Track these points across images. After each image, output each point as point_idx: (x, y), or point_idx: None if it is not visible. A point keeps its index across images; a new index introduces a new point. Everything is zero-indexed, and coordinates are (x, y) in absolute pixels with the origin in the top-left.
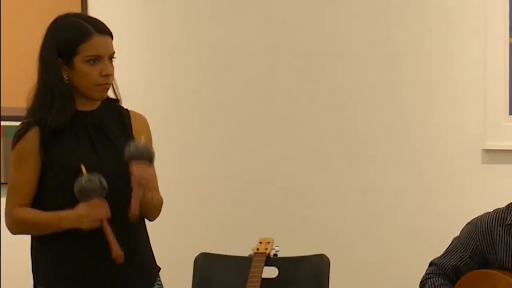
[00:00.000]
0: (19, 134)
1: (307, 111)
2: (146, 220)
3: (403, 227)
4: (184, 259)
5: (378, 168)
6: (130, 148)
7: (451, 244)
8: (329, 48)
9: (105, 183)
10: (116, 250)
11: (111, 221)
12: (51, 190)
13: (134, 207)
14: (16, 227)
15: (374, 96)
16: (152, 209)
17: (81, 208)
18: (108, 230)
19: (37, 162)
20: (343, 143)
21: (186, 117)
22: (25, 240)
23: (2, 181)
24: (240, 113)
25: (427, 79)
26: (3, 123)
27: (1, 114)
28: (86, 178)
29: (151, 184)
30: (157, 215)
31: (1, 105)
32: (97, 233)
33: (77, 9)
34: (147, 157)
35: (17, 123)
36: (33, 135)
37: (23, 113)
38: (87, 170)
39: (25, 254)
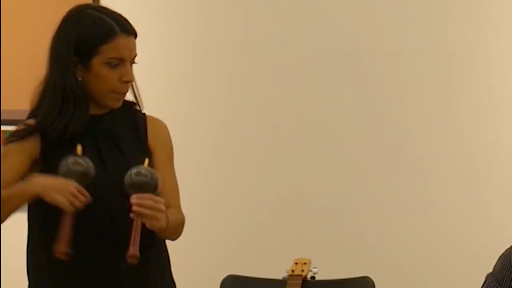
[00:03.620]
0: (15, 135)
1: (349, 118)
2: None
3: (456, 245)
4: (209, 283)
5: (427, 182)
6: (130, 177)
7: (484, 282)
8: (379, 47)
9: (93, 172)
10: (61, 246)
11: (121, 246)
12: (50, 205)
13: (132, 247)
14: None
15: (428, 100)
16: (171, 231)
17: (72, 184)
18: (67, 223)
19: (22, 163)
20: (389, 155)
21: (210, 123)
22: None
23: None
24: (272, 120)
25: (480, 77)
26: (3, 127)
27: (1, 118)
28: (73, 160)
29: (157, 212)
30: (179, 235)
31: (1, 108)
32: (98, 254)
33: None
34: (150, 182)
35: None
36: (32, 142)
37: (24, 116)
38: (95, 183)
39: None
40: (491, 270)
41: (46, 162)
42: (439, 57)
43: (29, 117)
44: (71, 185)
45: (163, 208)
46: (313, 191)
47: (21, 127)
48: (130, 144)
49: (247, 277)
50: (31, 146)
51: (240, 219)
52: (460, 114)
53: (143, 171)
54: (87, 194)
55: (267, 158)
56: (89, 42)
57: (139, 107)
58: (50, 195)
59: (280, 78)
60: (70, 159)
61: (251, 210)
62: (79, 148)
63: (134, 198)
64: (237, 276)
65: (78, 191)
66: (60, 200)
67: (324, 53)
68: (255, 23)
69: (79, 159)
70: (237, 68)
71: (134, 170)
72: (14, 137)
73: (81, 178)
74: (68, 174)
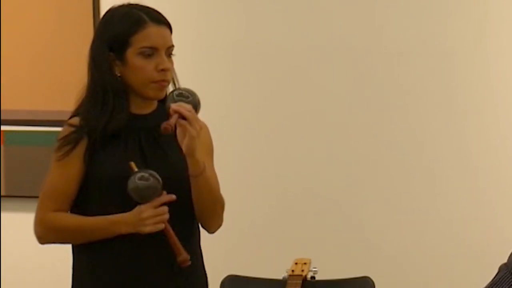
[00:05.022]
0: (67, 141)
1: (350, 118)
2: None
3: (457, 245)
4: (209, 283)
5: (428, 182)
6: (173, 94)
7: (498, 273)
8: (379, 46)
9: (159, 179)
10: (183, 253)
11: (157, 237)
12: (94, 203)
13: (170, 122)
14: (49, 234)
15: (429, 99)
16: (209, 200)
17: (144, 210)
18: (171, 232)
19: (80, 168)
20: (390, 155)
21: (210, 123)
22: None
23: (2, 194)
24: (273, 120)
25: (481, 76)
26: (3, 127)
27: (1, 118)
28: (144, 175)
29: (196, 126)
30: (217, 222)
31: (1, 108)
32: (141, 244)
33: (88, 7)
34: (192, 101)
35: (19, 128)
36: (81, 144)
37: (25, 116)
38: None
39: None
40: (491, 271)
41: (91, 161)
42: (439, 56)
43: (71, 117)
44: (145, 212)
45: (215, 177)
46: (313, 191)
47: (68, 129)
48: (172, 144)
49: (247, 277)
50: (81, 148)
51: (240, 219)
52: (461, 113)
53: (186, 89)
54: (167, 197)
55: (267, 158)
56: (121, 35)
57: (174, 86)
58: (141, 230)
59: (280, 78)
60: (138, 178)
61: (251, 210)
62: (133, 165)
63: (174, 104)
64: (237, 276)
65: (154, 207)
66: (150, 229)
67: (325, 53)
68: (255, 23)
69: (143, 174)
70: (237, 68)
71: (177, 90)
72: (68, 144)
73: (155, 191)
74: (148, 192)
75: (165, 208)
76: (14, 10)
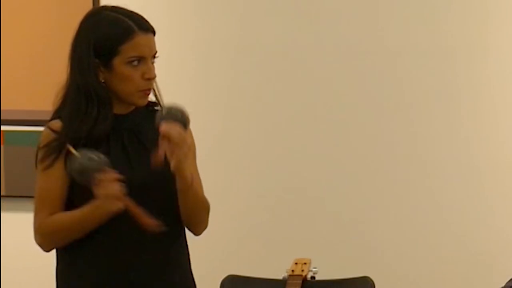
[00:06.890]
0: (51, 150)
1: (350, 118)
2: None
3: (456, 245)
4: (209, 283)
5: (427, 182)
6: (162, 112)
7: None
8: (380, 46)
9: (101, 156)
10: (148, 220)
11: (143, 236)
12: (82, 203)
13: (159, 152)
14: (48, 238)
15: (429, 99)
16: (196, 208)
17: (98, 193)
18: (129, 203)
19: (64, 171)
20: (390, 155)
21: (209, 124)
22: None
23: (2, 194)
24: (273, 120)
25: (482, 76)
26: (3, 127)
27: (1, 118)
28: (80, 156)
29: (185, 148)
30: (203, 225)
31: (1, 108)
32: (121, 249)
33: (88, 7)
34: (180, 119)
35: (19, 128)
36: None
37: (25, 116)
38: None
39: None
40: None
41: None
42: (439, 56)
43: (52, 118)
44: (107, 191)
45: (199, 180)
46: (313, 191)
47: (49, 135)
48: (155, 143)
49: (247, 277)
50: (63, 152)
51: (240, 219)
52: (461, 113)
53: (174, 107)
54: (114, 174)
55: (267, 158)
56: (108, 43)
57: (161, 106)
58: (109, 209)
59: (279, 79)
60: (84, 157)
61: (251, 210)
62: (71, 149)
63: (164, 125)
64: (237, 276)
65: (107, 181)
66: (116, 206)
67: (324, 53)
68: (255, 24)
69: (89, 154)
70: (236, 69)
71: (166, 108)
72: (52, 153)
73: (100, 168)
74: (89, 171)
75: (113, 184)
76: (14, 10)
